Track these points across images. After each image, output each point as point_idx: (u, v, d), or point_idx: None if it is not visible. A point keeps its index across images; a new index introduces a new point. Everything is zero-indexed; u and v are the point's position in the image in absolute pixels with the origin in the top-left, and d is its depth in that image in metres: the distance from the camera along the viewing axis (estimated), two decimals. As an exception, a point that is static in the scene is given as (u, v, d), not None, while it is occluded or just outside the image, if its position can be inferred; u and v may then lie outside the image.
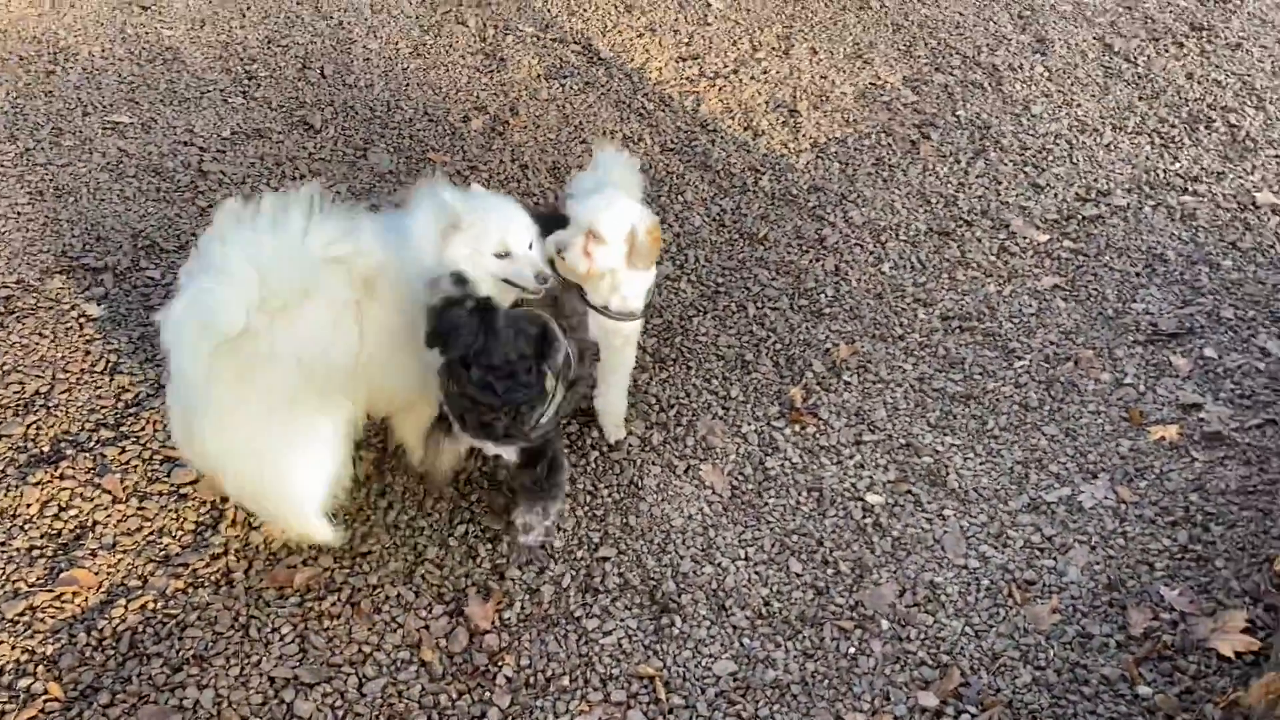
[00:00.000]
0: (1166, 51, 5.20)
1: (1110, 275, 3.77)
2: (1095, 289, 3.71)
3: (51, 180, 3.85)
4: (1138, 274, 3.79)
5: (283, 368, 2.15)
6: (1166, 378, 3.34)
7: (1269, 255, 3.91)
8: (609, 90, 4.64)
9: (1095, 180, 4.29)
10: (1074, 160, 4.41)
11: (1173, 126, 4.65)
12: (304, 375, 2.16)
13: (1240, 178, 4.31)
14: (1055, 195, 4.19)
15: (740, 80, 4.79)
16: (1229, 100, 4.82)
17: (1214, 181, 4.30)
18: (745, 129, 4.48)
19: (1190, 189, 4.25)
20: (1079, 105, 4.77)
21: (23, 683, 2.34)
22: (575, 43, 4.95)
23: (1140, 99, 4.84)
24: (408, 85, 4.57)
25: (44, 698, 2.31)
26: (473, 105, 4.48)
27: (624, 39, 5.02)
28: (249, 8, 5.00)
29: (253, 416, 2.16)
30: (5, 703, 2.30)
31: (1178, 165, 4.40)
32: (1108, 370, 3.36)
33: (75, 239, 3.59)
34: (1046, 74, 4.99)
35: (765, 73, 4.86)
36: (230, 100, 4.37)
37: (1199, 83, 4.94)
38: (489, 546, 2.70)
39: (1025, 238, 3.94)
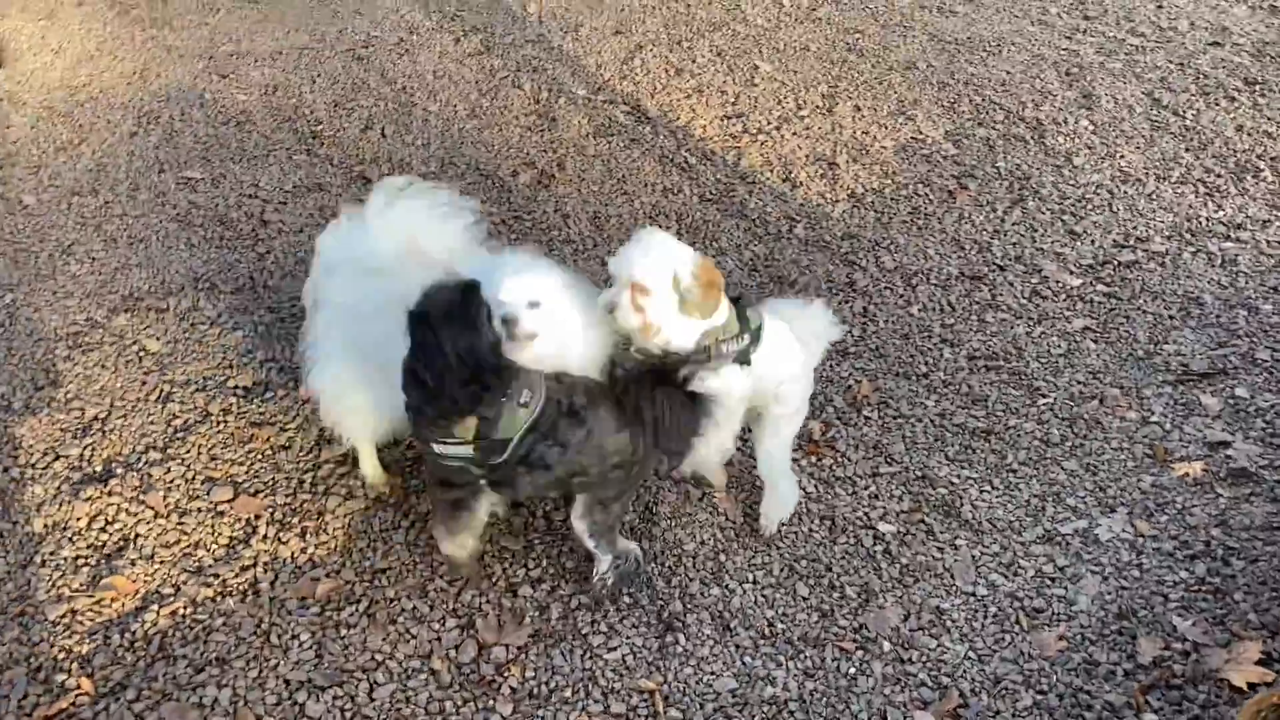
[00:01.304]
0: (1217, 105, 5.20)
1: (1143, 318, 3.76)
2: (1126, 331, 3.71)
3: (126, 230, 4.13)
4: (1171, 317, 3.77)
5: None
6: (1195, 416, 3.31)
7: (1312, 299, 3.86)
8: (653, 146, 4.81)
9: (1134, 228, 4.29)
10: (1114, 209, 4.42)
11: (1218, 176, 4.64)
12: None
13: (1287, 225, 4.28)
14: (1092, 242, 4.20)
15: (782, 136, 4.93)
16: (1279, 150, 4.80)
17: (1258, 229, 4.27)
18: (784, 180, 4.59)
19: (1233, 236, 4.23)
20: (1122, 157, 4.79)
21: (58, 678, 2.49)
22: (625, 103, 5.15)
23: (1187, 150, 4.84)
24: (462, 144, 4.80)
25: (75, 692, 2.46)
26: (522, 161, 4.68)
27: (672, 99, 5.20)
28: (319, 75, 5.31)
29: None
30: (39, 695, 2.45)
31: (1221, 213, 4.38)
32: (1134, 409, 3.35)
33: (142, 281, 3.84)
34: (1091, 127, 5.02)
35: (808, 129, 4.99)
36: (294, 158, 4.65)
37: (1249, 134, 4.93)
38: (503, 565, 2.79)
39: (1058, 282, 3.96)
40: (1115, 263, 4.07)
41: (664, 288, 2.43)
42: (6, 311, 3.65)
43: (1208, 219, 4.34)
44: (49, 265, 3.89)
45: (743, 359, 2.58)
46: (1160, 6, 6.27)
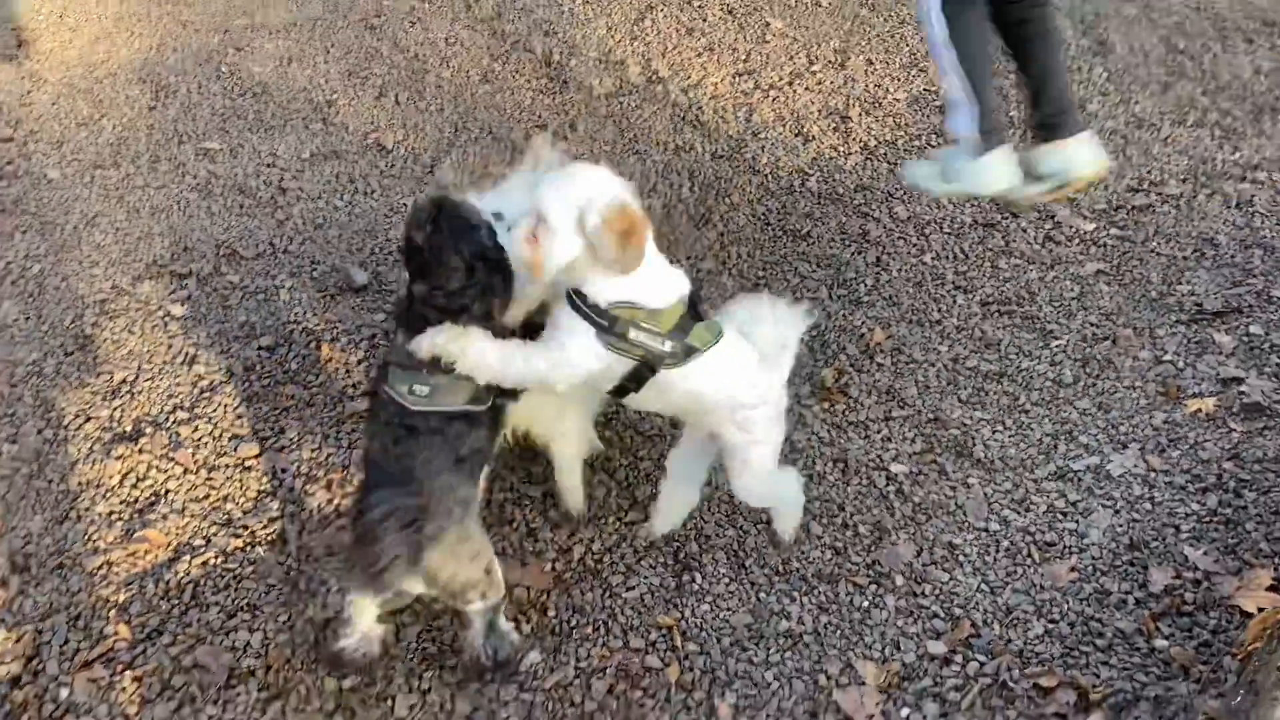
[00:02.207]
0: (1235, 49, 5.15)
1: (1156, 260, 3.77)
2: (1140, 273, 3.71)
3: (148, 200, 4.21)
4: (1185, 258, 3.77)
5: None
6: (1208, 354, 3.32)
7: (1328, 238, 3.85)
8: (665, 105, 4.83)
9: (1148, 172, 4.28)
10: (1127, 155, 4.41)
11: (1235, 119, 4.61)
12: None
13: (1304, 165, 4.26)
14: (1105, 187, 4.19)
15: (794, 91, 4.93)
16: (1298, 92, 4.76)
17: (1275, 169, 4.25)
18: (796, 135, 4.61)
19: (1249, 177, 4.21)
20: (1137, 103, 4.76)
21: (96, 625, 2.58)
22: (636, 64, 5.16)
23: (1203, 93, 4.81)
24: (475, 108, 4.83)
25: (114, 637, 2.55)
26: (534, 123, 4.71)
27: (683, 59, 5.21)
28: (332, 46, 5.35)
29: None
30: (80, 641, 2.54)
31: (1238, 155, 4.36)
32: (1147, 349, 3.36)
33: (165, 249, 3.91)
34: (1106, 75, 4.99)
35: (820, 84, 4.99)
36: (310, 126, 4.70)
37: (1266, 76, 4.89)
38: (523, 511, 2.86)
39: (1071, 227, 3.97)
40: (1129, 207, 4.07)
41: (567, 224, 2.13)
42: (35, 281, 3.73)
43: (1224, 161, 4.32)
44: (74, 236, 3.97)
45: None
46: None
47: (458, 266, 2.22)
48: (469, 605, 2.29)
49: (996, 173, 3.00)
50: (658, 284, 2.26)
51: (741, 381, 2.38)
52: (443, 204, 2.27)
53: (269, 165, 4.43)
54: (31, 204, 4.18)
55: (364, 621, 2.34)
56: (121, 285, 3.72)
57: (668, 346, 2.24)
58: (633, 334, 2.20)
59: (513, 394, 2.36)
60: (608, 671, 2.48)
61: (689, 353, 2.26)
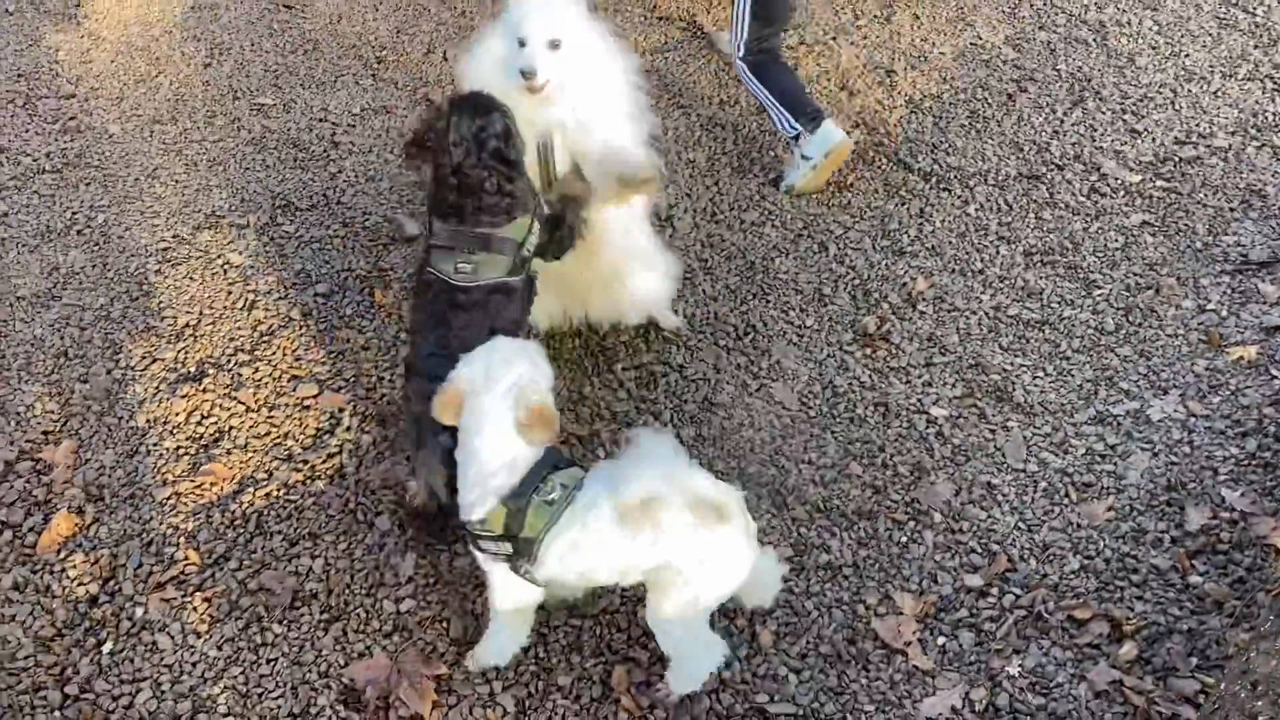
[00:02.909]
0: (1290, 1, 5.07)
1: (1203, 211, 3.77)
2: (1186, 224, 3.72)
3: (205, 153, 4.32)
4: (1232, 209, 3.77)
5: None
6: (1252, 304, 3.34)
7: (1380, 189, 3.82)
8: (709, 61, 4.86)
9: (1197, 125, 4.26)
10: (1176, 107, 4.38)
11: (1288, 72, 4.56)
12: None
13: (1357, 117, 4.22)
14: (1153, 140, 4.18)
15: (839, 46, 4.94)
16: (1353, 45, 4.69)
17: (1327, 122, 4.21)
18: (841, 89, 4.63)
19: (1299, 130, 4.18)
20: (1187, 55, 4.72)
21: (167, 550, 2.71)
22: (680, 20, 5.19)
23: (1256, 47, 4.76)
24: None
25: (184, 562, 2.68)
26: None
27: (727, 14, 5.20)
28: (381, 3, 5.43)
29: None
30: (154, 564, 2.68)
31: (1290, 108, 4.32)
32: (1190, 298, 3.38)
33: (223, 201, 4.03)
34: (1156, 28, 4.95)
35: (865, 38, 4.99)
36: (361, 82, 4.79)
37: (1321, 28, 4.82)
38: (571, 450, 2.95)
39: (1117, 179, 3.97)
40: (1177, 159, 4.06)
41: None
42: (100, 231, 3.86)
43: (1274, 114, 4.29)
44: (136, 188, 4.09)
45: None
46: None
47: (468, 150, 2.43)
48: None
49: (832, 130, 3.84)
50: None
51: (601, 563, 2.14)
52: (460, 96, 2.50)
53: (321, 120, 4.53)
54: (94, 158, 4.31)
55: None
56: (182, 234, 3.85)
57: (506, 549, 2.13)
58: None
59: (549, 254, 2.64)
60: (652, 600, 2.56)
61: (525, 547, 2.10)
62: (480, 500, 2.10)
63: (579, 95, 2.67)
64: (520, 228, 2.54)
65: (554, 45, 2.63)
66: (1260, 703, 1.75)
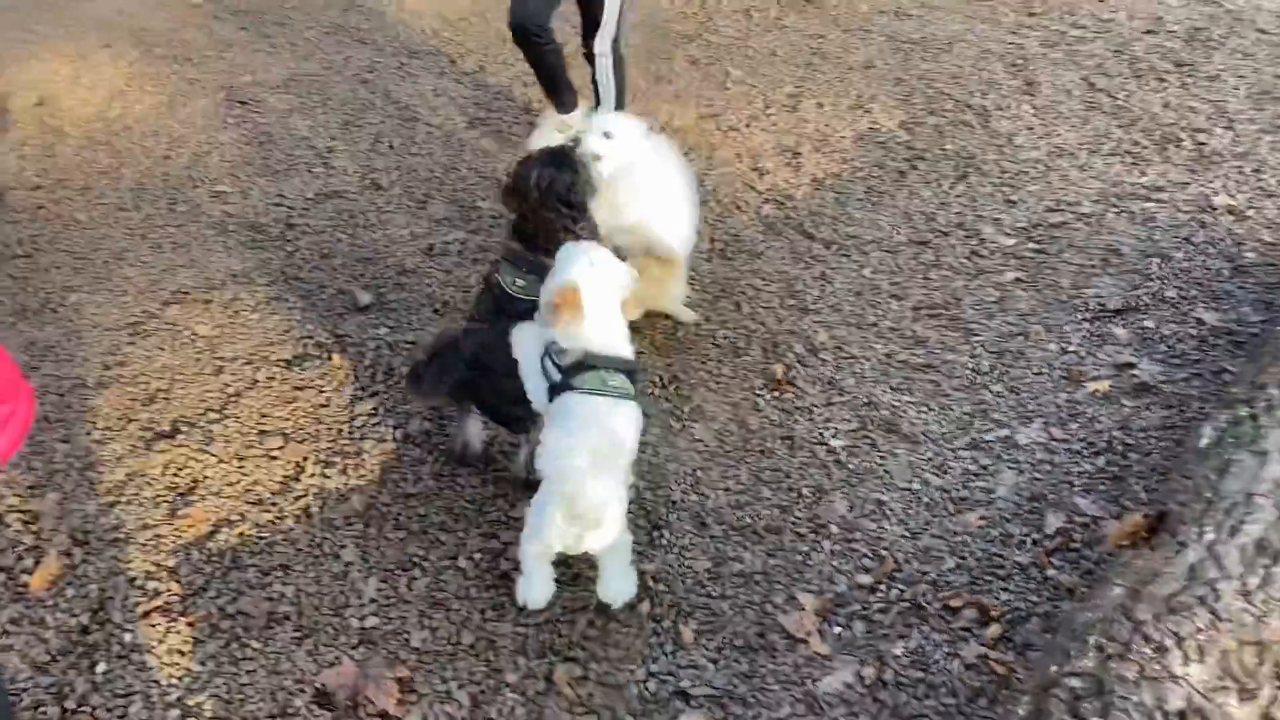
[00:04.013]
0: (1147, 86, 5.74)
1: (1067, 268, 4.30)
2: (1053, 279, 4.24)
3: (169, 237, 4.70)
4: (1093, 266, 4.31)
5: None
6: (1108, 345, 3.84)
7: (1218, 247, 4.40)
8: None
9: (1065, 195, 4.83)
10: (1048, 180, 4.96)
11: (1145, 148, 5.17)
12: None
13: (1202, 186, 4.82)
14: (1027, 208, 4.74)
15: (752, 132, 5.48)
16: (1201, 123, 5.33)
17: (1177, 190, 4.81)
18: (753, 170, 5.15)
19: (1153, 197, 4.77)
20: (1059, 135, 5.33)
21: (151, 584, 3.03)
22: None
23: (1118, 126, 5.38)
24: (463, 150, 5.37)
25: (167, 593, 2.99)
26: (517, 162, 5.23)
27: (652, 105, 5.77)
28: (330, 99, 5.89)
29: None
30: (139, 596, 2.98)
31: (1145, 179, 4.92)
32: (1054, 342, 3.88)
33: (188, 279, 4.39)
34: (1032, 111, 5.57)
35: (774, 125, 5.54)
36: (313, 170, 5.21)
37: (1174, 110, 5.47)
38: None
39: (994, 243, 4.50)
40: (1046, 224, 4.61)
41: None
42: (73, 308, 4.20)
43: (1132, 184, 4.88)
44: (105, 270, 4.45)
45: None
46: (1101, 0, 6.83)
47: (541, 194, 3.13)
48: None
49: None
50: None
51: None
52: (542, 150, 3.27)
53: (277, 205, 4.94)
54: (64, 243, 4.66)
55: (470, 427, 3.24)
56: (151, 310, 4.20)
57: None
58: None
59: None
60: (588, 609, 2.93)
61: None
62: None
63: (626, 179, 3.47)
64: None
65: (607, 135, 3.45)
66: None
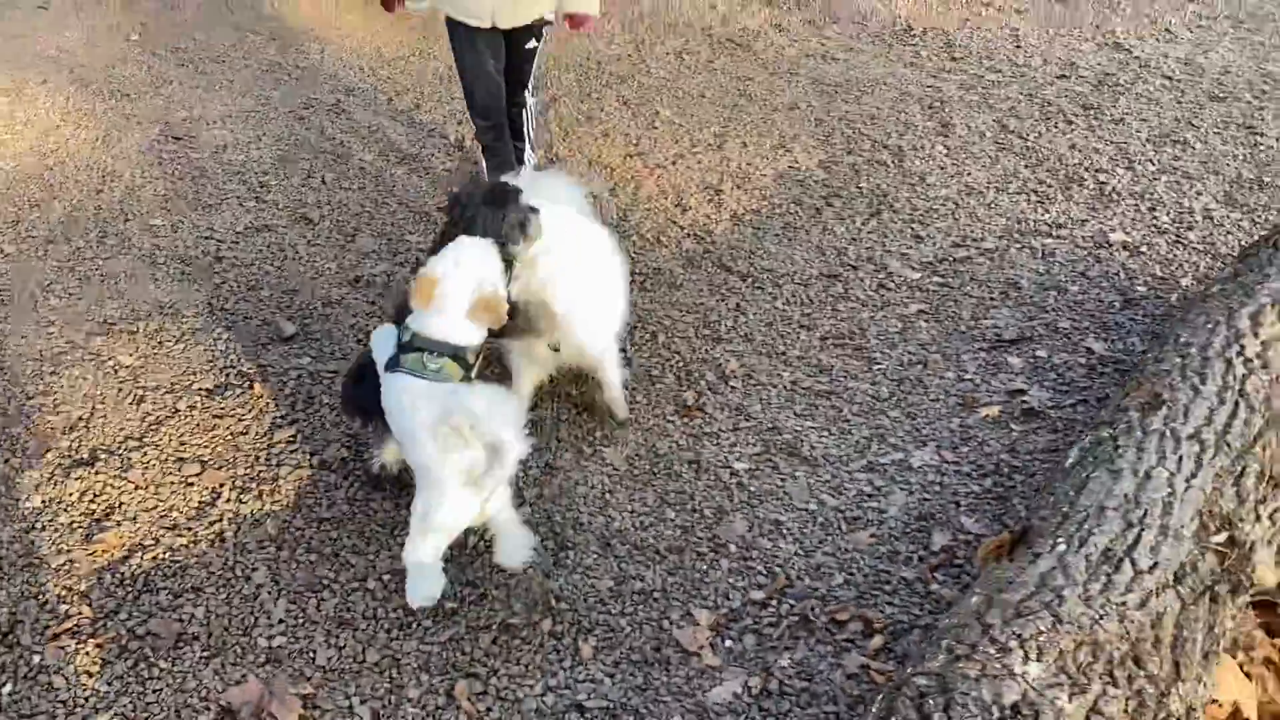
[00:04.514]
0: (1056, 128, 6.01)
1: (968, 301, 4.50)
2: (954, 312, 4.44)
3: (98, 269, 4.77)
4: (993, 299, 4.52)
5: None
6: (1002, 373, 4.03)
7: (1112, 281, 4.63)
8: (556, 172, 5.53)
9: (971, 231, 5.05)
10: (956, 217, 5.18)
11: (1049, 186, 5.42)
12: None
13: (1100, 223, 5.06)
14: (934, 244, 4.95)
15: (677, 169, 5.66)
16: (1103, 164, 5.60)
17: (1076, 227, 5.05)
18: (676, 206, 5.32)
19: (1054, 234, 5.00)
20: (969, 174, 5.56)
21: (62, 608, 3.08)
22: (539, 148, 5.87)
23: (1025, 166, 5.63)
24: (394, 186, 5.49)
25: (78, 616, 3.05)
26: (445, 198, 5.37)
27: (581, 143, 5.94)
28: (264, 135, 6.00)
29: None
30: (50, 619, 3.04)
31: (1047, 216, 5.16)
32: (952, 370, 4.07)
33: (114, 310, 4.46)
34: (945, 151, 5.81)
35: (699, 163, 5.73)
36: (245, 204, 5.31)
37: (1079, 151, 5.74)
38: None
39: (901, 277, 4.70)
40: (951, 259, 4.82)
41: None
42: (-2, 338, 4.25)
43: (1035, 221, 5.11)
44: (30, 301, 4.50)
45: None
46: (1019, 46, 7.13)
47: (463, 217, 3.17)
48: None
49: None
50: None
51: None
52: (491, 183, 3.39)
53: (207, 238, 5.02)
54: (-9, 275, 4.70)
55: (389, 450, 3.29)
56: (75, 341, 4.26)
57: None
58: None
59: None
60: (493, 628, 3.04)
61: None
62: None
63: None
64: None
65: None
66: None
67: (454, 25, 4.51)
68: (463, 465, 2.66)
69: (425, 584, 2.94)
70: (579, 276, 3.31)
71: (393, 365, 2.91)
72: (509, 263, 3.27)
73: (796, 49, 7.16)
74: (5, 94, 6.40)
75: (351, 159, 5.73)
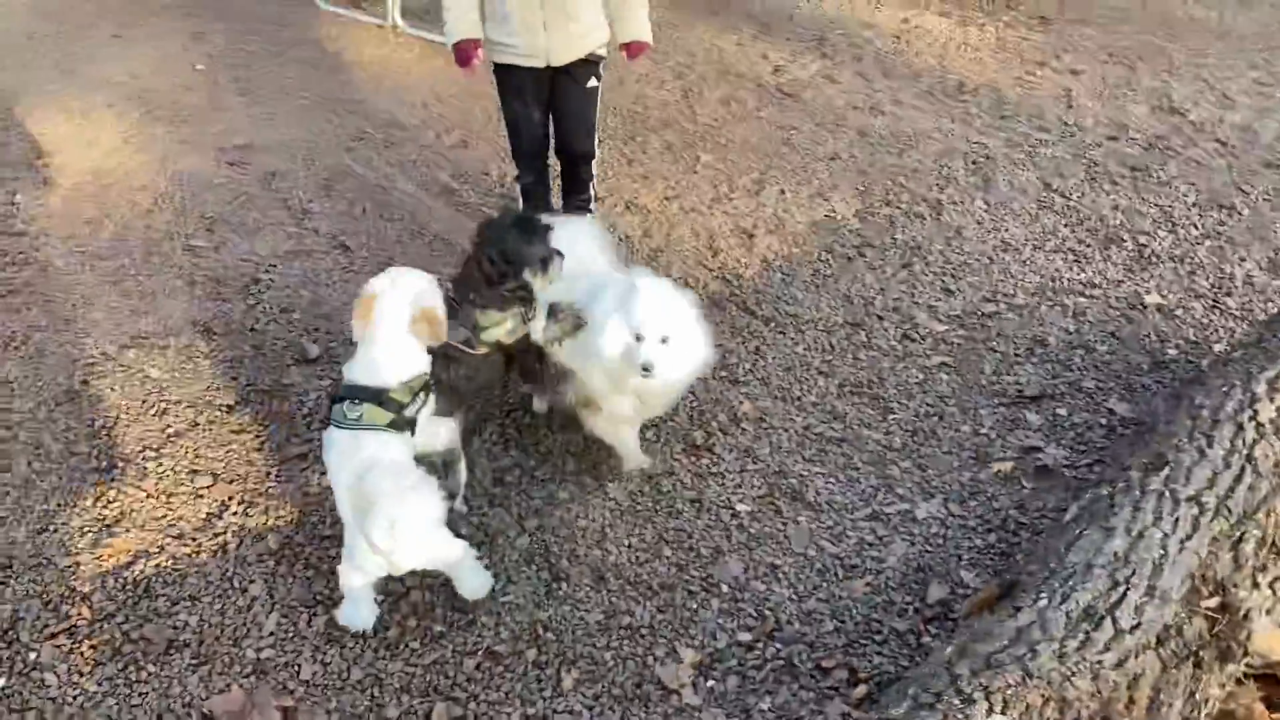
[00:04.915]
0: (1100, 189, 5.95)
1: (992, 355, 4.45)
2: (977, 365, 4.39)
3: (138, 286, 4.91)
4: (1018, 355, 4.46)
5: None
6: (1019, 429, 3.98)
7: (1142, 343, 4.55)
8: (600, 220, 5.59)
9: (1003, 286, 5.01)
10: (989, 272, 5.14)
11: (1088, 246, 5.36)
12: None
13: (1136, 284, 4.99)
14: (963, 298, 4.91)
15: (712, 213, 5.70)
16: (1145, 226, 5.53)
17: (1111, 287, 4.98)
18: (707, 249, 5.35)
19: (1087, 293, 4.94)
20: (1007, 230, 5.52)
21: (64, 608, 3.16)
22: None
23: (1065, 225, 5.58)
24: (431, 219, 5.60)
25: (77, 617, 3.12)
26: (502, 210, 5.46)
27: (620, 183, 6.01)
28: (314, 164, 6.16)
29: None
30: (49, 618, 3.11)
31: (1082, 275, 5.10)
32: (968, 424, 4.02)
33: (149, 325, 4.59)
34: (985, 207, 5.78)
35: (735, 208, 5.77)
36: (286, 229, 5.45)
37: (1122, 212, 5.67)
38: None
39: (926, 328, 4.67)
40: (979, 313, 4.78)
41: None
42: (36, 347, 4.39)
43: (1069, 279, 5.05)
44: (72, 313, 4.65)
45: None
46: (1070, 106, 7.09)
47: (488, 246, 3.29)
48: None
49: None
50: None
51: None
52: (518, 213, 3.51)
53: (246, 260, 5.16)
54: (38, 287, 4.88)
55: None
56: (109, 352, 4.39)
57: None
58: None
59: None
60: (478, 653, 3.04)
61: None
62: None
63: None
64: (489, 319, 3.29)
65: (664, 340, 3.15)
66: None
67: (504, 72, 4.52)
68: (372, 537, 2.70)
69: (354, 610, 3.03)
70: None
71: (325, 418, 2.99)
72: (528, 300, 3.31)
73: (845, 100, 7.19)
74: (74, 117, 6.66)
75: (394, 191, 5.85)
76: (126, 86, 7.14)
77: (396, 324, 2.96)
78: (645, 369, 3.08)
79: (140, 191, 5.77)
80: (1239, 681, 2.59)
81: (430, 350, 3.09)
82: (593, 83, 4.70)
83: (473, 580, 3.06)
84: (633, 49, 4.49)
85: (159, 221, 5.47)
